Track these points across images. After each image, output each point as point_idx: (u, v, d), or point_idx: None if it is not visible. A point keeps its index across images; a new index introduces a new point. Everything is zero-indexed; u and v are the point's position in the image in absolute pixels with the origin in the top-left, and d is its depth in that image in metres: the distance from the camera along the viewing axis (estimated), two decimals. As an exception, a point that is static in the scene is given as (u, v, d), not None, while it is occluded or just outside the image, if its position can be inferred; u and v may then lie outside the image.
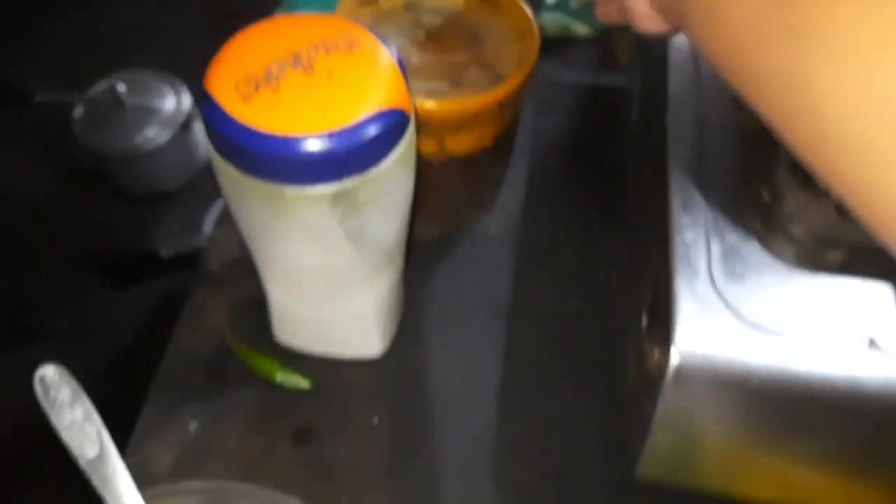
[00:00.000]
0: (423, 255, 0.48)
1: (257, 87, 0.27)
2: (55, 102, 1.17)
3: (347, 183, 0.28)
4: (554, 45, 0.60)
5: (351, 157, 0.27)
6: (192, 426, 0.40)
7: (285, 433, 0.40)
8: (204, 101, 0.28)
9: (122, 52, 1.26)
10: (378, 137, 0.28)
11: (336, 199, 0.29)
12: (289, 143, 0.26)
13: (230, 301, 0.44)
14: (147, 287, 1.05)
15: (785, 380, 0.33)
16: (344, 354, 0.42)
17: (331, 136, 0.27)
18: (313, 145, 0.26)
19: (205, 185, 1.18)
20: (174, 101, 1.19)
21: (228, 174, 0.29)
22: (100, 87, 1.18)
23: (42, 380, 0.33)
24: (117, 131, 1.15)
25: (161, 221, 1.14)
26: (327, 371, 0.42)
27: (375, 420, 0.41)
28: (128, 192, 1.18)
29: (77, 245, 1.10)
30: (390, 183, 0.31)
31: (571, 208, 0.52)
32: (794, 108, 0.20)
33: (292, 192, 0.28)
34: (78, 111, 1.16)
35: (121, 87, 1.17)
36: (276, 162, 0.27)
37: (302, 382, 0.41)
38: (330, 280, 0.35)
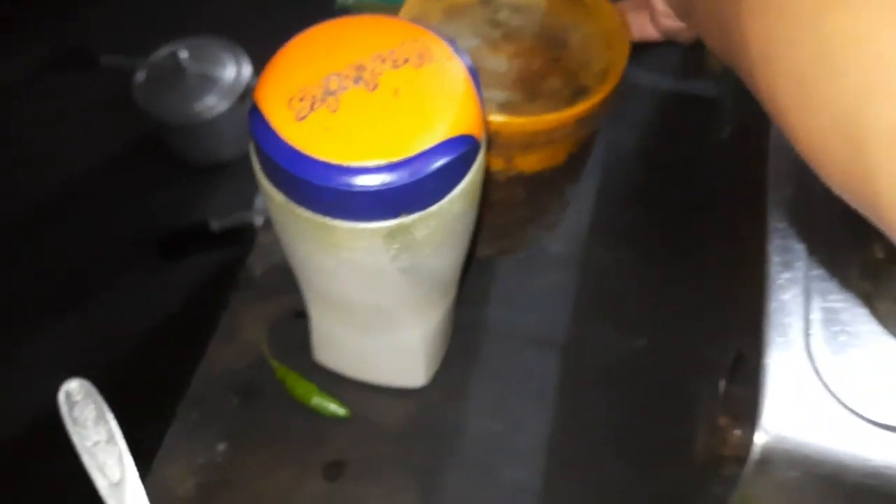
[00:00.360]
0: (478, 272, 0.45)
1: (313, 106, 0.24)
2: (118, 67, 1.17)
3: (406, 219, 0.25)
4: (635, 45, 0.55)
5: (412, 191, 0.24)
6: (220, 447, 0.37)
7: (315, 466, 0.37)
8: (252, 117, 0.25)
9: (186, 17, 1.25)
10: (444, 169, 0.24)
11: (391, 235, 0.25)
12: (344, 174, 0.23)
13: (270, 313, 0.42)
14: (195, 260, 1.05)
15: (887, 477, 0.28)
16: (385, 382, 0.39)
17: (392, 167, 0.23)
18: (371, 178, 0.23)
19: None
20: (234, 71, 1.18)
21: (274, 199, 0.26)
22: (162, 52, 1.17)
23: (68, 395, 0.31)
24: (177, 98, 1.14)
25: (214, 192, 1.13)
26: (366, 397, 0.39)
27: (412, 458, 0.38)
28: (184, 161, 1.17)
29: (130, 211, 1.10)
30: (453, 217, 0.27)
31: (642, 233, 0.48)
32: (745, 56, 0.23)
33: (343, 226, 0.25)
34: (139, 76, 1.15)
35: (183, 54, 1.15)
36: (328, 193, 0.23)
37: (339, 410, 0.38)
38: (378, 315, 0.32)
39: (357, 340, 0.36)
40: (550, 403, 0.40)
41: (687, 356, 0.41)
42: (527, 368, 0.42)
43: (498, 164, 0.38)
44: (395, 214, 0.24)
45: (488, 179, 0.32)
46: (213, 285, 0.95)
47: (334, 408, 0.38)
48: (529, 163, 0.38)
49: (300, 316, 0.41)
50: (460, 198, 0.26)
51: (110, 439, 0.31)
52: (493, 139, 0.35)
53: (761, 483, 0.29)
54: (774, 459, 0.29)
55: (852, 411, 0.29)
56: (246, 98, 1.17)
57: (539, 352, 0.42)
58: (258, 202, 1.11)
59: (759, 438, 0.29)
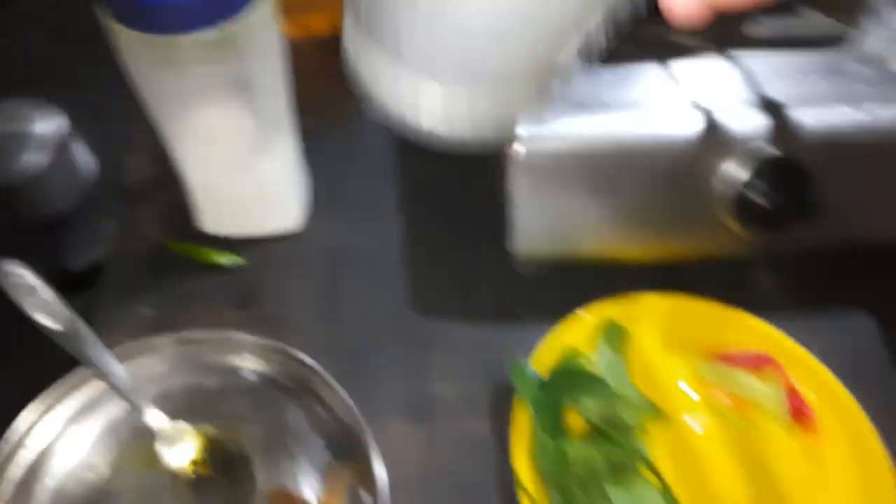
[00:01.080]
0: (312, 144, 0.54)
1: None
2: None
3: (226, 29, 0.35)
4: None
5: (225, 3, 0.34)
6: (145, 311, 0.44)
7: (229, 301, 0.46)
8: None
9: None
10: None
11: (221, 45, 0.35)
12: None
13: (153, 211, 0.49)
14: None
15: (593, 146, 0.41)
16: (267, 231, 0.48)
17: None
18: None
19: (95, 204, 1.18)
20: (48, 125, 1.18)
21: (129, 41, 0.35)
22: (-37, 123, 1.15)
23: (7, 274, 0.37)
24: (-8, 164, 1.13)
25: (60, 241, 1.14)
26: (256, 248, 0.48)
27: (311, 275, 0.47)
28: (19, 219, 1.16)
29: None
30: (263, 32, 0.37)
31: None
32: None
33: (183, 39, 0.34)
34: (-56, 152, 1.13)
35: (-14, 120, 1.15)
36: (166, 12, 0.33)
37: (237, 259, 0.47)
38: (234, 144, 0.41)
39: (229, 189, 0.45)
40: (400, 215, 0.51)
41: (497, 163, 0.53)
42: (375, 199, 0.52)
43: (293, 28, 0.48)
44: (215, 22, 0.34)
45: (289, 47, 0.42)
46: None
47: (232, 257, 0.47)
48: (317, 21, 0.48)
49: (179, 208, 0.49)
50: (263, 14, 0.36)
51: (54, 300, 0.37)
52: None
53: (521, 172, 0.42)
54: (525, 158, 0.41)
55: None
56: (65, 149, 1.19)
57: (382, 186, 0.53)
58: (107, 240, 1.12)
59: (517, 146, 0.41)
